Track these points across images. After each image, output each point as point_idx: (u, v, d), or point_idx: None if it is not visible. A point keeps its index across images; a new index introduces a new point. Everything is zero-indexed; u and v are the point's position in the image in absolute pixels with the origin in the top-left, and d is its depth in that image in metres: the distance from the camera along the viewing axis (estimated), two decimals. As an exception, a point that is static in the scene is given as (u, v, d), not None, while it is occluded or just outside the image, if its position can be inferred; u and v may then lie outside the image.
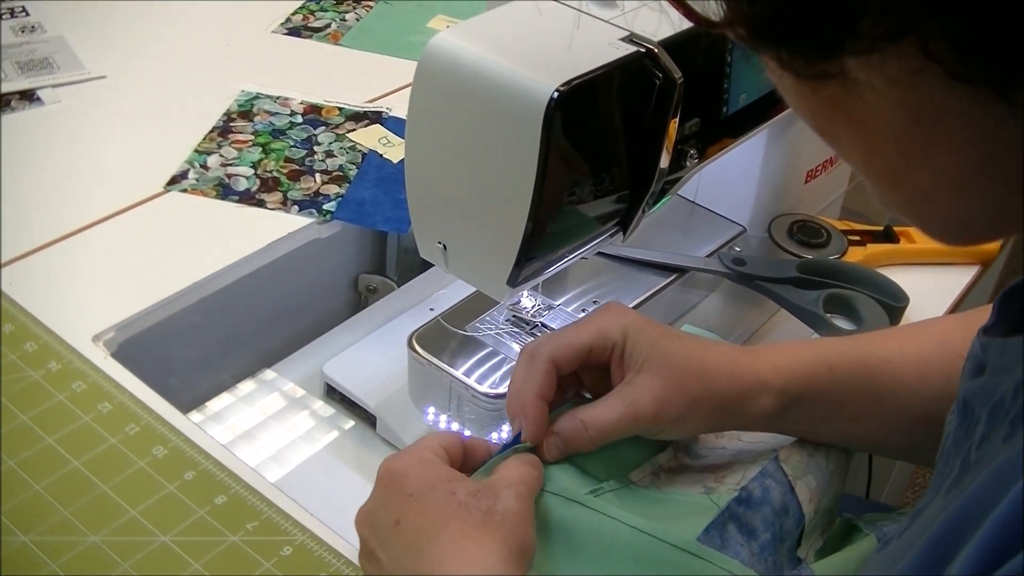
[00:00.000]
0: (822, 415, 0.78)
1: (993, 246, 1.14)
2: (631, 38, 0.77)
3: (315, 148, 1.16)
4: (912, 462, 1.32)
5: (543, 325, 0.94)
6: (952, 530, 0.49)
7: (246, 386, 1.00)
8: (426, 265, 1.03)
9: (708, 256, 1.07)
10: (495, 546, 0.63)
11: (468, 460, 0.72)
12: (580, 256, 0.83)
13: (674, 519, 0.76)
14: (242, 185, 1.09)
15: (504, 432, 0.90)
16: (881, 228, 1.14)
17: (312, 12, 1.44)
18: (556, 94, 0.69)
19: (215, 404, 0.98)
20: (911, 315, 1.03)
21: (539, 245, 0.76)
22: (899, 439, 0.79)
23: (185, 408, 0.87)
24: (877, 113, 0.48)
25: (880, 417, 0.78)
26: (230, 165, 1.12)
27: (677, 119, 0.78)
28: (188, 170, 1.10)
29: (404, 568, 0.65)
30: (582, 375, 0.78)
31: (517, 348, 0.91)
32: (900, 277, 1.05)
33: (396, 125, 1.21)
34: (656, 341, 0.74)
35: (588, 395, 0.78)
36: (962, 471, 0.55)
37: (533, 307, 0.94)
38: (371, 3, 1.47)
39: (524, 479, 0.69)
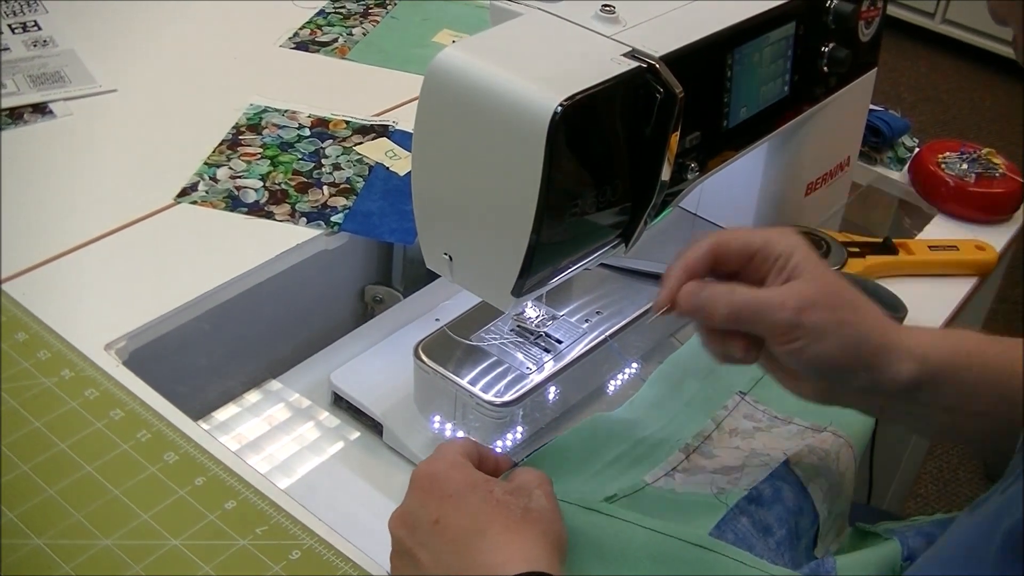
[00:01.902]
0: (950, 403, 0.77)
1: (991, 257, 1.15)
2: (633, 53, 0.78)
3: (323, 161, 1.17)
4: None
5: (547, 335, 0.95)
6: None
7: (252, 396, 1.01)
8: (432, 276, 1.04)
9: (709, 267, 1.08)
10: (538, 539, 0.68)
11: (481, 467, 0.75)
12: (583, 267, 0.84)
13: (686, 518, 0.78)
14: (251, 197, 1.10)
15: (509, 440, 0.92)
16: (880, 240, 1.15)
17: (319, 26, 1.45)
18: (560, 108, 0.70)
19: (221, 414, 0.99)
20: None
21: (543, 256, 0.77)
22: (1011, 442, 0.76)
23: (193, 417, 0.88)
24: None
25: (1004, 415, 0.76)
26: (239, 177, 1.13)
27: (678, 132, 0.80)
28: (198, 182, 1.12)
29: (448, 564, 0.68)
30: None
31: (521, 358, 0.92)
32: (899, 288, 1.06)
33: (402, 138, 1.22)
34: (819, 264, 0.75)
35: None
36: None
37: (537, 317, 0.96)
38: (378, 18, 1.49)
39: (544, 481, 0.73)
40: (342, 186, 1.14)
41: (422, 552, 0.69)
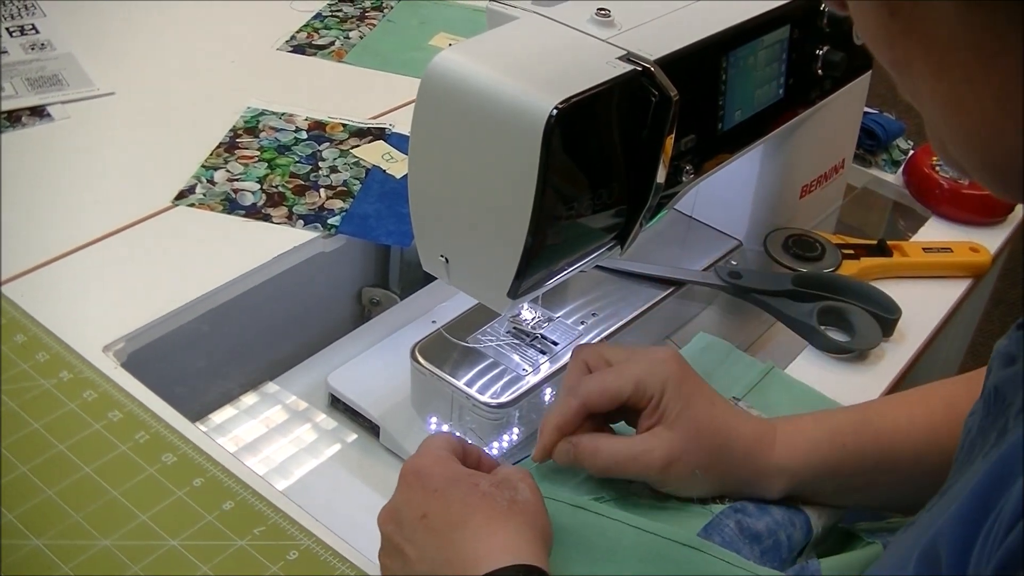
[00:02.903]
0: (832, 489, 0.82)
1: (985, 259, 1.16)
2: (628, 57, 0.79)
3: (320, 163, 1.18)
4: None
5: (543, 337, 0.95)
6: (997, 478, 0.49)
7: (250, 398, 1.02)
8: (428, 278, 1.04)
9: (705, 269, 1.09)
10: (522, 530, 0.68)
11: (464, 462, 0.75)
12: (579, 269, 0.84)
13: (674, 521, 0.78)
14: (248, 200, 1.11)
15: (505, 441, 0.92)
16: (875, 242, 1.16)
17: (316, 30, 1.46)
18: (555, 111, 0.71)
19: (219, 416, 1.00)
20: (903, 327, 1.05)
21: (539, 258, 0.77)
22: (906, 499, 0.80)
23: (191, 418, 0.89)
24: (947, 36, 0.48)
25: (888, 484, 0.81)
26: (236, 180, 1.14)
27: (673, 135, 0.80)
28: (195, 185, 1.12)
29: (432, 559, 0.68)
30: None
31: (518, 359, 0.93)
32: (893, 290, 1.07)
33: (399, 141, 1.23)
34: (689, 402, 0.78)
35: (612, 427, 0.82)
36: (999, 440, 0.56)
37: (533, 319, 0.96)
38: (375, 21, 1.50)
39: (527, 475, 0.73)
40: (339, 189, 1.14)
41: (409, 547, 0.70)
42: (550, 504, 0.74)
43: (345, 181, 1.15)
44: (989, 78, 0.48)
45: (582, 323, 0.98)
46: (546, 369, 0.92)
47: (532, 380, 0.91)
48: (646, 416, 0.78)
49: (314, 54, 1.40)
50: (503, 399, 0.89)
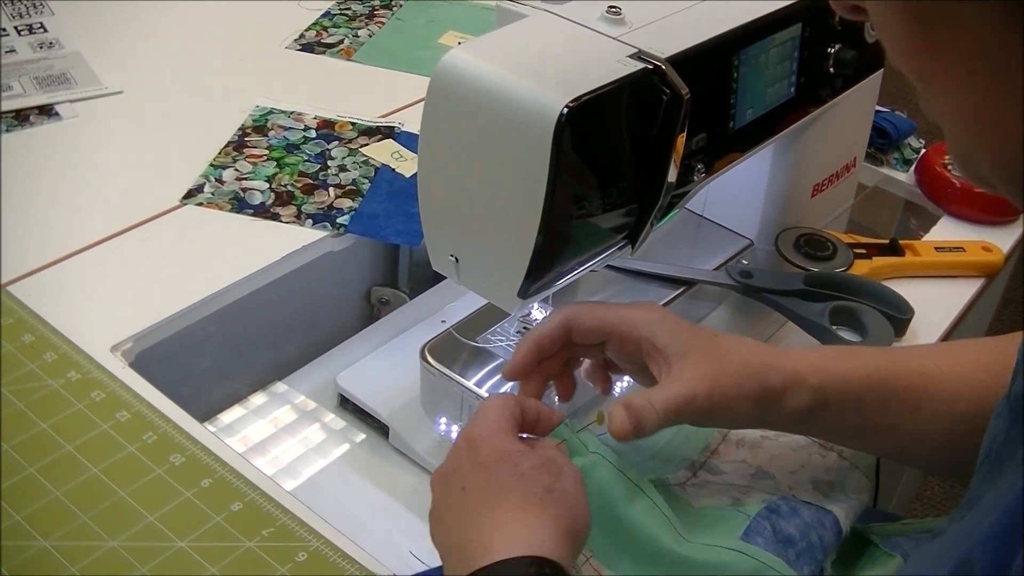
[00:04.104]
0: (855, 422, 0.79)
1: (997, 258, 1.15)
2: (639, 55, 0.78)
3: (328, 162, 1.17)
4: (935, 475, 1.29)
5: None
6: None
7: (258, 398, 1.01)
8: (438, 278, 1.04)
9: (716, 269, 1.08)
10: (548, 522, 0.66)
11: (524, 420, 0.74)
12: (589, 268, 0.84)
13: (714, 523, 0.77)
14: (257, 199, 1.11)
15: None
16: (887, 241, 1.15)
17: (325, 28, 1.45)
18: (566, 110, 0.70)
19: (227, 416, 1.00)
20: (916, 327, 1.04)
21: (549, 258, 0.77)
22: (927, 453, 0.79)
23: (200, 419, 0.89)
24: (975, 46, 0.48)
25: (912, 430, 0.79)
26: (245, 179, 1.13)
27: (684, 134, 0.79)
28: (204, 184, 1.12)
29: (459, 534, 0.68)
30: (623, 366, 0.81)
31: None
32: (905, 290, 1.06)
33: (408, 140, 1.22)
34: (693, 335, 0.77)
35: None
36: None
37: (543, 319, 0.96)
38: (383, 19, 1.49)
39: (571, 465, 0.72)
40: (348, 188, 1.14)
41: (448, 515, 0.70)
42: (605, 492, 0.73)
43: (354, 180, 1.15)
44: (1017, 90, 0.47)
45: (592, 323, 0.98)
46: (556, 369, 0.92)
47: (542, 380, 0.91)
48: (652, 362, 0.77)
49: (323, 52, 1.40)
50: (513, 399, 0.89)
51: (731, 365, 0.75)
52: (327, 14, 1.49)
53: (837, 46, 1.01)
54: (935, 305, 1.09)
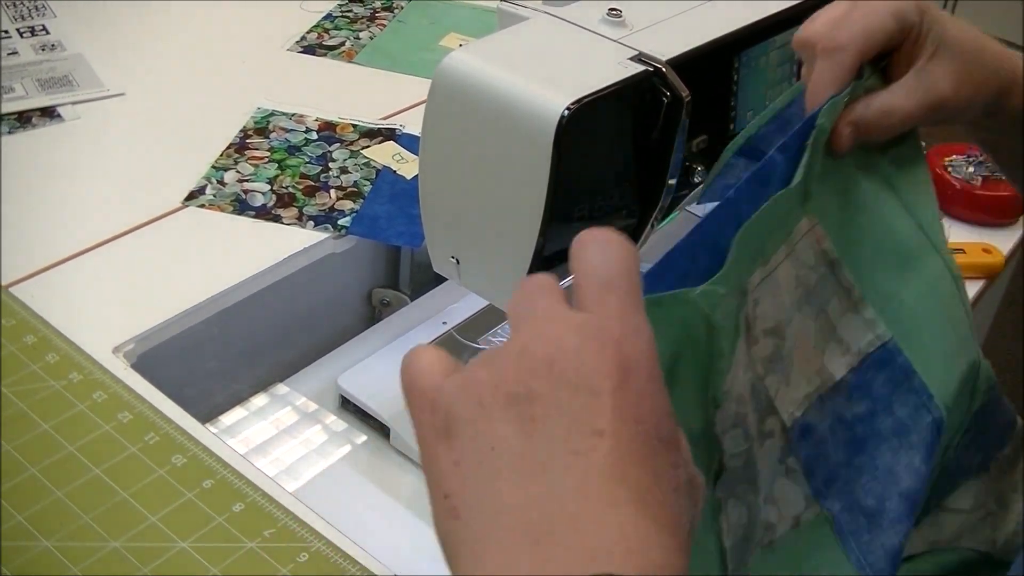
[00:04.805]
0: None
1: (998, 260, 1.15)
2: (640, 57, 0.78)
3: (330, 164, 1.18)
4: None
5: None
6: None
7: (260, 400, 1.02)
8: (439, 279, 1.04)
9: (716, 271, 1.08)
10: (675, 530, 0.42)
11: None
12: (590, 270, 0.84)
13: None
14: (258, 200, 1.11)
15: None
16: (887, 243, 1.15)
17: (327, 30, 1.46)
18: (567, 112, 0.70)
19: (229, 418, 1.00)
20: (917, 329, 1.04)
21: (551, 259, 0.77)
22: None
23: (201, 420, 0.89)
24: None
25: None
26: (246, 181, 1.14)
27: (685, 136, 0.80)
28: (205, 186, 1.12)
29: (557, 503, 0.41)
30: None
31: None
32: (906, 292, 1.06)
33: (410, 142, 1.22)
34: (945, 25, 0.69)
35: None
36: None
37: (544, 320, 0.96)
38: (385, 21, 1.49)
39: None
40: (349, 189, 1.14)
41: (522, 461, 0.41)
42: None
43: (355, 182, 1.15)
44: None
45: (593, 324, 0.98)
46: (557, 371, 0.92)
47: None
48: (905, 52, 0.68)
49: (324, 54, 1.40)
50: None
51: (975, 67, 0.68)
52: (328, 16, 1.49)
53: (838, 48, 1.01)
54: (935, 307, 1.09)
